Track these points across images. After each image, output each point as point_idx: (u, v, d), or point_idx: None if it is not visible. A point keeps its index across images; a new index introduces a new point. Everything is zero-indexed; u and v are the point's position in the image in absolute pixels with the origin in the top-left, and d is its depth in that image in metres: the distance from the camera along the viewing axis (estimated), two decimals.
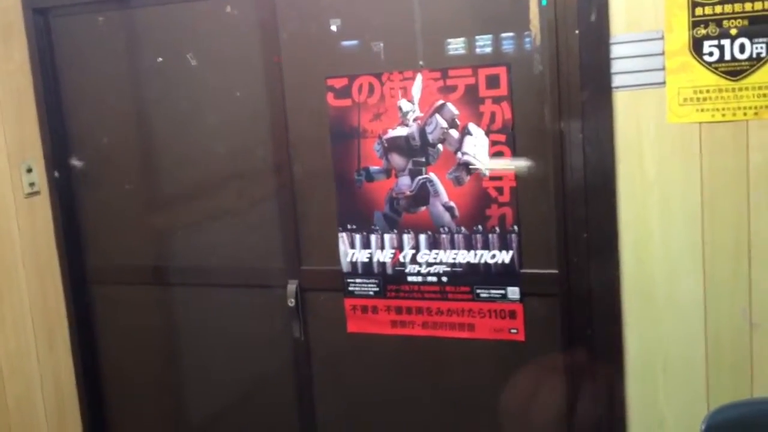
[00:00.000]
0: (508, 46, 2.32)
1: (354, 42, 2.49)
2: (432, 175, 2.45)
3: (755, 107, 2.06)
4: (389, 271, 2.55)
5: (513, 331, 2.44)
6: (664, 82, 2.13)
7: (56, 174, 2.93)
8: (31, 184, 2.87)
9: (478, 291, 2.46)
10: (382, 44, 2.45)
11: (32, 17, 2.84)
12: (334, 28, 2.49)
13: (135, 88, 2.83)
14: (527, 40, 2.30)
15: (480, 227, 2.43)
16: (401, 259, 2.53)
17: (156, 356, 3.00)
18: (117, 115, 2.86)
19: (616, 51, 2.17)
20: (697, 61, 2.09)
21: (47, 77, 2.88)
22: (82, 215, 3.00)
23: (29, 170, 2.86)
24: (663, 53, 2.12)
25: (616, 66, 2.17)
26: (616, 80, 2.18)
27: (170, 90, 2.77)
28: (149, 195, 2.89)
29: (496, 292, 2.44)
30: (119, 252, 2.97)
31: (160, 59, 2.76)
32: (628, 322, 2.29)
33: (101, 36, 2.83)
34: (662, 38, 2.11)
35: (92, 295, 3.05)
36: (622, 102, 2.19)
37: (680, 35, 2.09)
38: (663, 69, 2.12)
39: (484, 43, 2.35)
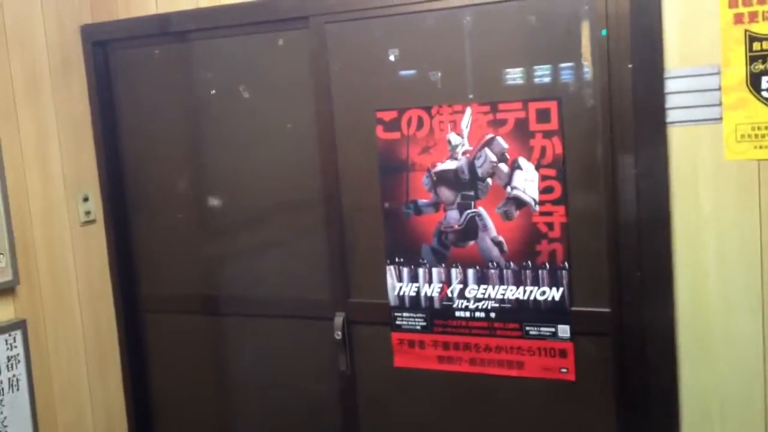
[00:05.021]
0: (559, 80, 2.29)
1: (409, 72, 2.48)
2: (481, 210, 2.42)
3: None
4: (437, 305, 2.52)
5: (563, 370, 2.39)
6: (720, 118, 2.06)
7: (111, 203, 2.98)
8: (87, 213, 2.93)
9: (528, 328, 2.41)
10: (439, 74, 2.44)
11: (92, 49, 2.92)
12: (392, 58, 2.49)
13: (189, 119, 2.88)
14: (579, 73, 2.27)
15: (529, 263, 2.38)
16: (449, 294, 2.50)
17: (205, 385, 3.01)
18: (171, 145, 2.91)
19: (670, 86, 2.12)
20: (755, 96, 2.02)
21: (104, 108, 2.95)
22: (136, 244, 3.05)
23: (86, 199, 2.93)
24: (719, 88, 2.05)
25: (670, 101, 2.12)
26: (671, 115, 2.13)
27: (223, 121, 2.81)
28: (201, 225, 2.93)
29: (545, 330, 2.39)
30: (171, 281, 3.00)
31: (214, 91, 2.81)
32: (683, 363, 2.22)
33: (157, 68, 2.89)
34: (718, 73, 2.05)
35: (144, 324, 3.09)
36: (676, 137, 2.14)
37: (737, 70, 2.02)
38: (719, 104, 2.06)
39: (535, 76, 2.32)
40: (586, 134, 2.27)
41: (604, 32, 2.18)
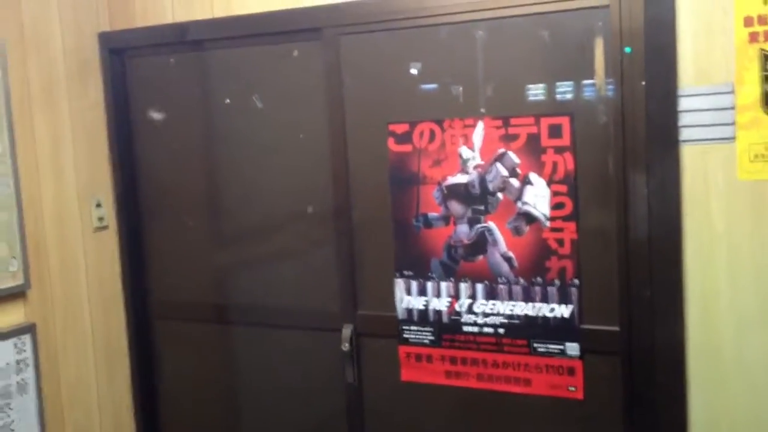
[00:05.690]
0: (572, 95, 2.28)
1: (422, 85, 2.48)
2: (491, 224, 2.41)
3: None
4: (445, 319, 2.51)
5: (571, 388, 2.36)
6: (734, 137, 2.05)
7: (124, 210, 3.00)
8: (100, 219, 2.95)
9: (536, 345, 2.39)
10: (451, 87, 2.43)
11: (108, 57, 2.94)
12: (405, 70, 2.48)
13: (202, 128, 2.89)
14: (592, 89, 2.26)
15: (539, 279, 2.36)
16: (457, 308, 2.48)
17: (212, 393, 3.01)
18: (184, 153, 2.93)
19: (683, 104, 2.10)
20: None
21: (119, 115, 2.97)
22: (148, 251, 3.06)
23: (98, 205, 2.94)
24: (733, 107, 2.04)
25: (683, 119, 2.11)
26: (684, 134, 2.11)
27: (236, 131, 2.82)
28: (212, 233, 2.93)
29: (554, 347, 2.37)
30: (181, 288, 3.01)
31: (228, 100, 2.82)
32: (693, 384, 2.19)
33: (172, 77, 2.91)
34: (732, 92, 2.04)
35: (154, 330, 3.09)
36: (689, 156, 2.12)
37: (752, 89, 2.01)
38: (733, 124, 2.05)
39: (547, 92, 2.31)
40: (598, 151, 2.26)
41: (628, 50, 2.16)
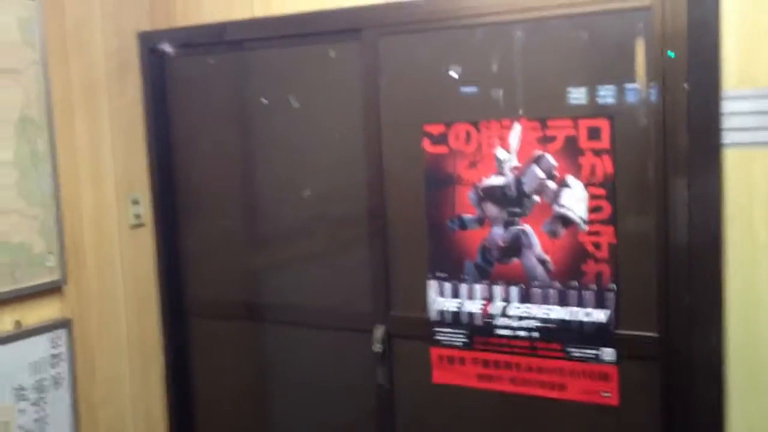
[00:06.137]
0: (611, 97, 2.25)
1: (459, 85, 2.46)
2: (526, 227, 2.39)
3: None
4: (478, 322, 2.49)
5: (606, 394, 2.33)
6: None
7: (161, 207, 3.02)
8: (137, 216, 2.97)
9: (570, 349, 2.36)
10: (488, 88, 2.41)
11: (148, 56, 2.97)
12: (453, 74, 2.47)
13: (239, 127, 2.90)
14: (633, 91, 2.22)
15: (575, 283, 2.33)
16: (491, 311, 2.46)
17: (245, 391, 3.02)
18: (221, 152, 2.94)
19: (727, 106, 2.06)
20: None
21: (158, 113, 3.00)
22: (183, 249, 3.08)
23: (136, 202, 2.97)
24: None
25: (727, 122, 2.07)
26: (727, 137, 2.07)
27: (272, 130, 2.83)
28: (247, 232, 2.95)
29: (589, 352, 2.34)
30: (216, 286, 3.02)
31: (265, 100, 2.83)
32: (732, 395, 2.15)
33: (210, 76, 2.93)
34: None
35: (188, 328, 3.11)
36: (732, 160, 2.08)
37: None
38: None
39: (586, 93, 2.28)
40: (638, 154, 2.22)
41: (671, 54, 2.12)
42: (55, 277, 2.63)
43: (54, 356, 2.63)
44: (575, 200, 2.30)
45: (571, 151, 2.30)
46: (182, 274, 3.09)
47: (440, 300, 2.54)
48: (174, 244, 3.08)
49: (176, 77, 3.00)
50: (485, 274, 2.46)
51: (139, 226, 2.99)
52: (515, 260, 2.41)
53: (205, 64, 2.93)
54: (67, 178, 2.68)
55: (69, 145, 2.69)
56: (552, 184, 2.34)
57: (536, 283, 2.39)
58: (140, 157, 3.00)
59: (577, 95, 2.29)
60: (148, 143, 3.00)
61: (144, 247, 3.02)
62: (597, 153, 2.26)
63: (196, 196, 3.02)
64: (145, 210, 3.02)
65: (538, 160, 2.35)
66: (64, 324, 2.66)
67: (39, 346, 2.58)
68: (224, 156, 2.94)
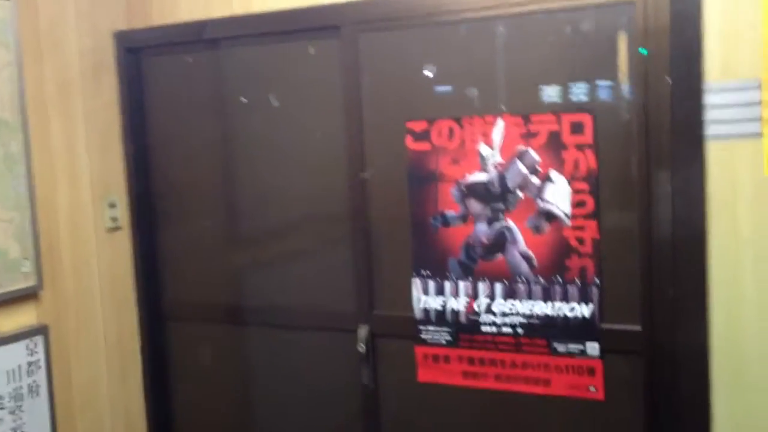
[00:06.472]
0: (594, 92, 2.25)
1: (441, 82, 2.45)
2: (510, 223, 2.38)
3: None
4: (463, 319, 2.48)
5: (591, 389, 2.33)
6: (760, 133, 2.02)
7: (138, 210, 2.98)
8: (113, 219, 2.93)
9: (555, 345, 2.36)
10: (471, 85, 2.40)
11: (124, 56, 2.93)
12: (428, 73, 2.46)
13: (218, 127, 2.87)
14: (615, 85, 2.23)
15: (559, 278, 2.33)
16: (475, 308, 2.45)
17: (225, 395, 2.98)
18: (199, 153, 2.91)
19: (710, 99, 2.07)
20: None
21: (134, 114, 2.96)
22: (161, 251, 3.04)
23: (112, 205, 2.92)
24: (760, 103, 2.01)
25: (709, 115, 2.08)
26: (709, 130, 2.08)
27: (252, 130, 2.80)
28: (226, 233, 2.91)
29: (574, 347, 2.34)
30: (195, 289, 2.98)
31: (244, 99, 2.80)
32: (716, 388, 2.16)
33: (188, 76, 2.89)
34: (759, 87, 2.01)
35: (166, 331, 3.07)
36: (714, 153, 2.09)
37: None
38: (759, 119, 2.02)
39: (569, 89, 2.28)
40: (620, 148, 2.23)
41: (643, 51, 2.14)
42: (30, 282, 2.57)
43: (31, 363, 2.58)
44: (559, 195, 2.30)
45: (554, 146, 2.30)
46: (160, 278, 3.05)
47: (424, 298, 2.53)
48: (152, 246, 3.03)
49: (153, 77, 2.96)
50: (469, 271, 2.45)
51: (116, 229, 2.95)
52: (499, 256, 2.41)
53: (182, 63, 2.89)
54: (42, 181, 2.62)
55: (44, 147, 2.64)
56: (535, 180, 2.33)
57: (520, 279, 2.38)
58: (117, 159, 2.95)
59: (560, 90, 2.29)
60: (125, 144, 2.96)
61: (121, 251, 2.97)
62: (580, 148, 2.27)
63: (175, 197, 2.98)
64: (122, 212, 2.97)
65: (521, 156, 2.35)
66: (40, 330, 2.61)
67: (15, 354, 2.53)
68: (203, 156, 2.90)
